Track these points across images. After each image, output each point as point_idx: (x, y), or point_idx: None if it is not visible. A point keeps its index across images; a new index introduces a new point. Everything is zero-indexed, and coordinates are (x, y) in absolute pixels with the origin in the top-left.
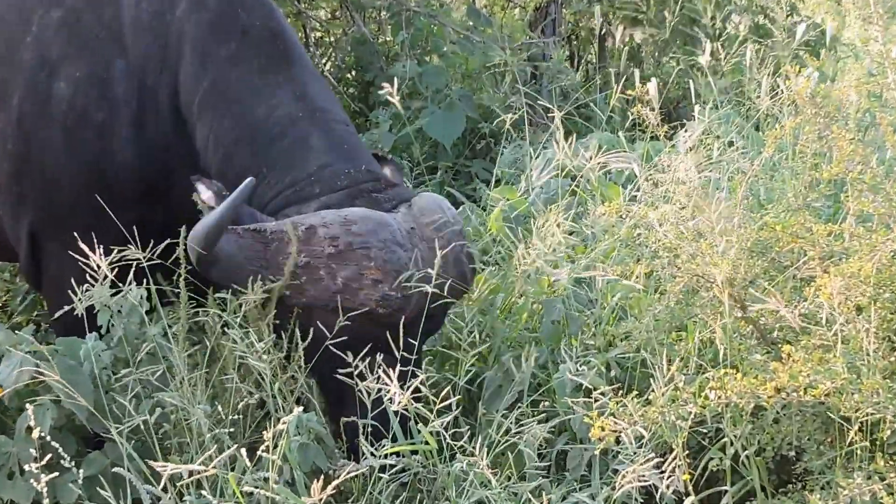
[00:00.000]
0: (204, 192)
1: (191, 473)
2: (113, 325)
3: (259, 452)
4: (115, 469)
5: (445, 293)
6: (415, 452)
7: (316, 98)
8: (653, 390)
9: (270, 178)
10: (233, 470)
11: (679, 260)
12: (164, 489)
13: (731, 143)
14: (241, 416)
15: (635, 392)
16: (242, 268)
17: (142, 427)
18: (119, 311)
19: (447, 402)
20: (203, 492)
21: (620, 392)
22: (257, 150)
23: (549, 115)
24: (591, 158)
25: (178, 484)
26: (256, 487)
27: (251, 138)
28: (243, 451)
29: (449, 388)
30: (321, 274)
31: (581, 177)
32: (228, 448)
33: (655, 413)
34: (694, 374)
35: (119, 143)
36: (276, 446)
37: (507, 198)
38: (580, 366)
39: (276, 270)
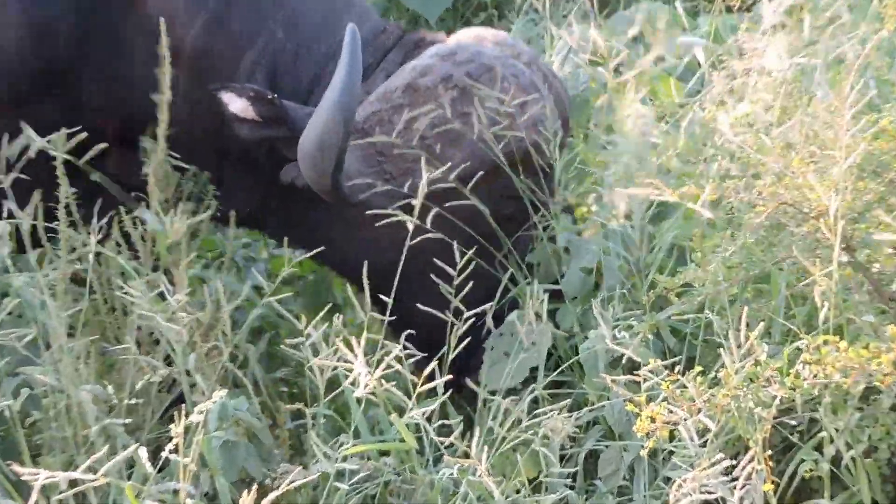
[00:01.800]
0: (234, 103)
1: (72, 483)
2: None
3: (166, 453)
4: None
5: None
6: (385, 453)
7: None
8: (722, 366)
9: (298, 49)
10: (130, 478)
11: (760, 182)
12: None
13: (832, 20)
14: (141, 402)
15: (698, 369)
16: (361, 171)
17: (4, 415)
18: None
19: (431, 384)
20: None
21: (676, 369)
22: (261, 13)
23: None
24: (635, 39)
25: (53, 497)
26: (162, 502)
27: None
28: (144, 451)
29: (434, 363)
30: (456, 128)
31: (622, 66)
32: (124, 447)
33: (726, 398)
34: (779, 344)
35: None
36: (189, 445)
37: None
38: (619, 332)
39: (398, 151)
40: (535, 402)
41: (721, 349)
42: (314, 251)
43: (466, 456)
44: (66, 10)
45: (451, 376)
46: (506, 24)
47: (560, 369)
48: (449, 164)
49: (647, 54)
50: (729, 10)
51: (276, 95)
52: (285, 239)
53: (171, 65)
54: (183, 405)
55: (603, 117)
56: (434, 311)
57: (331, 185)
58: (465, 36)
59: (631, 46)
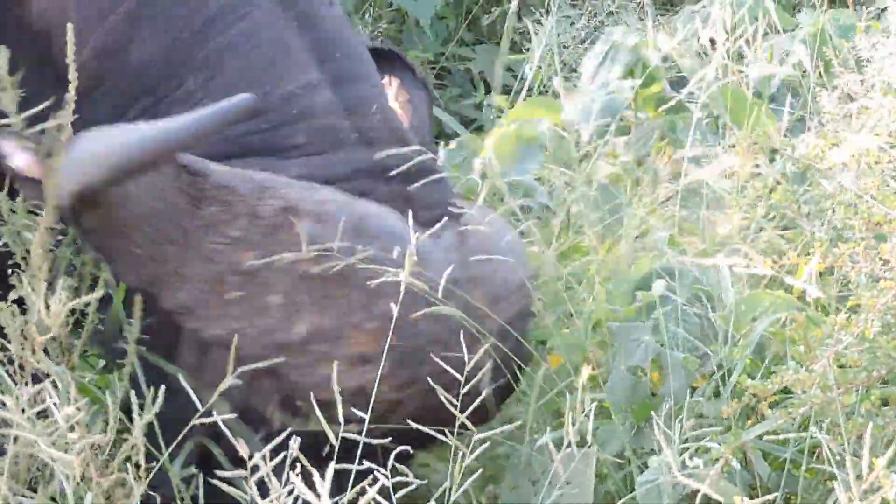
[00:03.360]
0: (14, 155)
1: None
2: None
3: None
4: None
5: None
6: None
7: None
8: None
9: (201, 83)
10: None
11: (887, 246)
12: None
13: None
14: None
15: None
16: (136, 229)
17: None
18: None
19: None
20: None
21: None
22: (174, 44)
23: None
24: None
25: None
26: None
27: (160, 19)
28: None
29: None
30: (272, 301)
31: (685, 82)
32: None
33: None
34: None
35: None
36: None
37: (540, 116)
38: (690, 458)
39: (195, 255)
40: None
41: (834, 482)
42: None
43: None
44: None
45: None
46: (521, 28)
47: None
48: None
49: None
50: (842, 3)
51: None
52: None
53: (60, 90)
54: None
55: (655, 157)
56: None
57: (66, 208)
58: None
59: (701, 55)
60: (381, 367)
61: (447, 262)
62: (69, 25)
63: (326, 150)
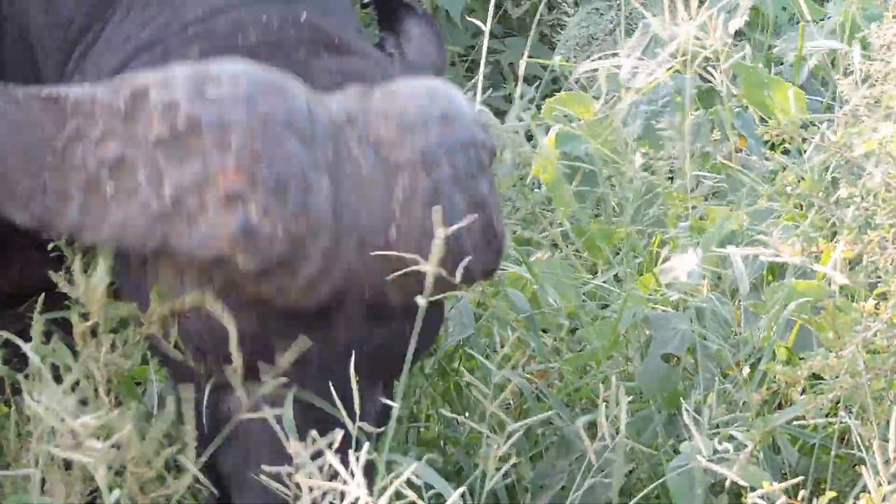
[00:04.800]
0: None
1: None
2: None
3: None
4: None
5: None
6: None
7: None
8: (864, 490)
9: (115, 39)
10: None
11: None
12: None
13: None
14: None
15: (830, 495)
16: (9, 166)
17: None
18: None
19: None
20: None
21: (801, 494)
22: None
23: None
24: (738, 34)
25: None
26: None
27: None
28: None
29: (463, 488)
30: (140, 178)
31: (719, 69)
32: None
33: None
34: None
35: None
36: None
37: (574, 113)
38: (720, 442)
39: (69, 169)
40: None
41: (863, 466)
42: None
43: None
44: None
45: None
46: (557, 20)
47: (641, 495)
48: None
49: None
50: None
51: None
52: None
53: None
54: None
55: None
56: None
57: None
58: (406, 84)
59: (733, 43)
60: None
61: (331, 102)
62: None
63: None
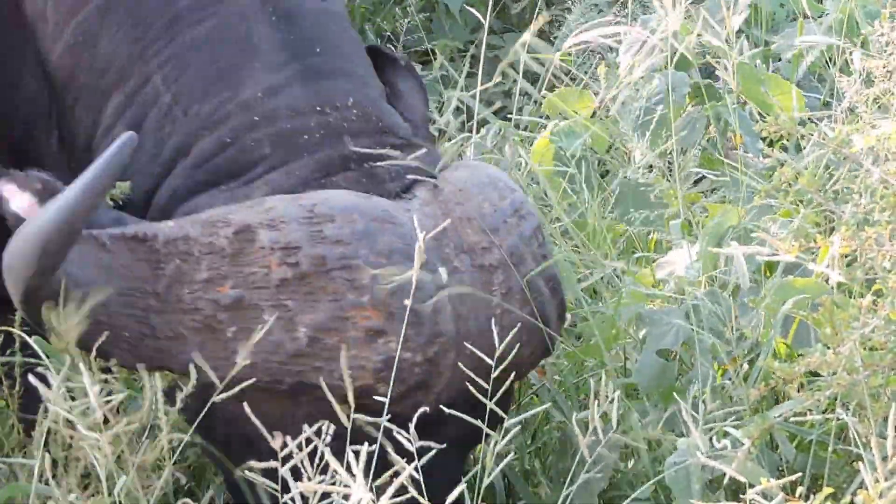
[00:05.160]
0: (15, 197)
1: None
2: None
3: None
4: None
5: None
6: None
7: None
8: (861, 486)
9: (174, 103)
10: None
11: None
12: None
13: None
14: None
15: (827, 491)
16: (115, 314)
17: None
18: None
19: None
20: None
21: (798, 491)
22: (144, 36)
23: None
24: (738, 33)
25: None
26: None
27: (130, 10)
28: None
29: (463, 485)
30: (266, 318)
31: (718, 65)
32: None
33: None
34: None
35: None
36: None
37: (573, 110)
38: (717, 440)
39: (179, 312)
40: None
41: (860, 462)
42: None
43: None
44: None
45: None
46: (556, 15)
47: (637, 493)
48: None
49: (753, 51)
50: None
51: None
52: None
53: (47, 83)
54: None
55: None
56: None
57: (29, 314)
58: (463, 172)
59: (732, 42)
60: (399, 332)
61: (422, 216)
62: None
63: (290, 157)
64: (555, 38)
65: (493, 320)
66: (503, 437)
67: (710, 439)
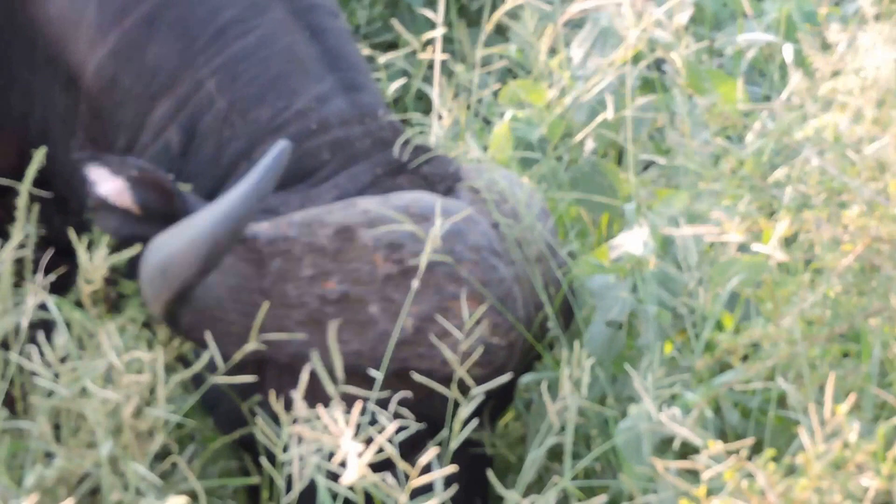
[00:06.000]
0: (104, 181)
1: None
2: None
3: None
4: None
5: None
6: None
7: None
8: (800, 450)
9: (231, 109)
10: None
11: (848, 213)
12: None
13: None
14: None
15: (769, 453)
16: (225, 309)
17: None
18: None
19: (428, 477)
20: None
21: (741, 453)
22: (191, 46)
23: None
24: (685, 30)
25: None
26: None
27: (177, 21)
28: None
29: (437, 449)
30: (372, 311)
31: (666, 61)
32: None
33: (806, 490)
34: (873, 421)
35: None
36: None
37: (529, 100)
38: (666, 405)
39: (285, 307)
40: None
41: (799, 427)
42: None
43: None
44: None
45: (454, 467)
46: (513, 11)
47: (593, 455)
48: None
49: (698, 47)
50: None
51: (173, 181)
52: None
53: (73, 88)
54: None
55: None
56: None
57: (161, 315)
58: (483, 172)
59: (679, 38)
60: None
61: (480, 214)
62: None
63: (349, 163)
64: (510, 33)
65: (539, 306)
66: (468, 403)
67: (660, 405)
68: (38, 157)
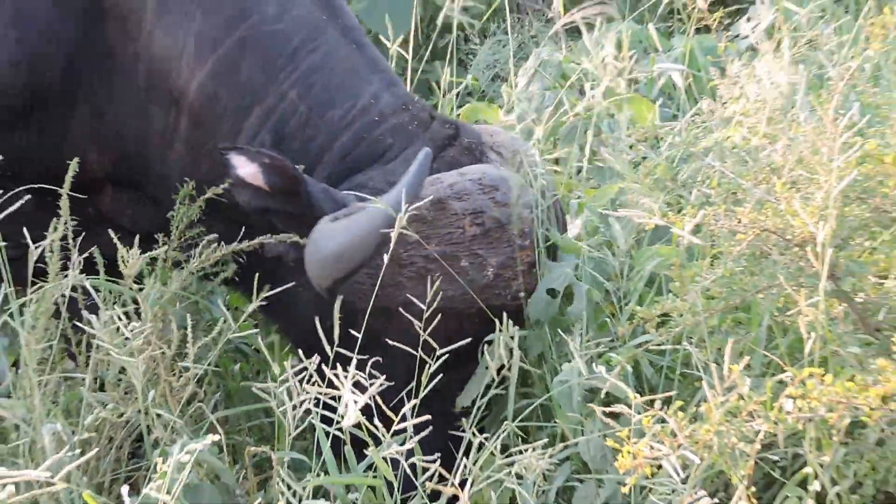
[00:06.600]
0: (244, 167)
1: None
2: None
3: (147, 491)
4: None
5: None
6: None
7: None
8: (703, 400)
9: (310, 112)
10: None
11: (741, 209)
12: None
13: (812, 40)
14: (99, 439)
15: (678, 403)
16: (357, 267)
17: None
18: None
19: (406, 424)
20: None
21: (655, 403)
22: (275, 67)
23: None
24: (607, 60)
25: None
26: None
27: (262, 49)
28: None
29: (404, 397)
30: (464, 264)
31: (594, 88)
32: (78, 487)
33: (708, 433)
34: (762, 377)
35: None
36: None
37: (483, 119)
38: (595, 364)
39: (399, 266)
40: (509, 439)
41: (702, 382)
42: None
43: (438, 494)
44: (58, 38)
45: (427, 416)
46: (470, 49)
47: (533, 406)
48: (440, 294)
49: (619, 77)
50: (706, 29)
51: (297, 168)
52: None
53: (175, 108)
54: (143, 445)
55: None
56: (407, 349)
57: (329, 289)
58: (499, 139)
59: (602, 70)
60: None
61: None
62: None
63: (407, 143)
64: (469, 64)
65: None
66: (435, 362)
67: (590, 362)
68: (73, 167)
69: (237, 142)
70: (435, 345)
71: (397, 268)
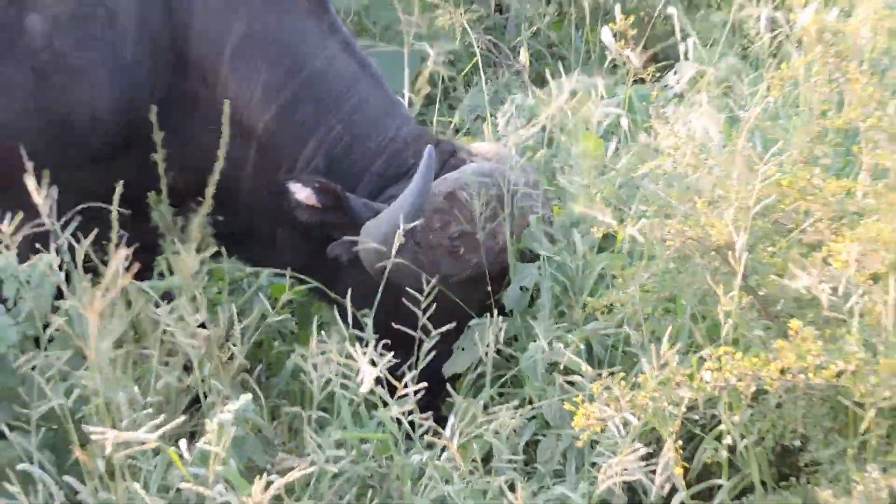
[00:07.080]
0: (300, 192)
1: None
2: (22, 297)
3: (200, 445)
4: (22, 466)
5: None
6: (364, 442)
7: (356, 47)
8: (640, 372)
9: (353, 142)
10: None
11: (671, 222)
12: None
13: (727, 89)
14: (165, 402)
15: (620, 374)
16: (400, 251)
17: (57, 411)
18: (28, 282)
19: (407, 390)
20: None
21: (603, 374)
22: (324, 109)
23: (517, 54)
24: (564, 104)
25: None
26: (193, 483)
27: (313, 94)
28: (184, 443)
29: (406, 370)
30: (479, 237)
31: (552, 127)
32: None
33: (645, 398)
34: (686, 354)
35: (97, 92)
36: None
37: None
38: (556, 343)
39: (431, 249)
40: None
41: (641, 357)
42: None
43: (430, 447)
44: (150, 80)
45: (424, 384)
46: (456, 99)
47: (507, 377)
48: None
49: (575, 117)
50: (641, 80)
51: (340, 188)
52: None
53: (245, 141)
54: (199, 406)
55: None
56: (406, 330)
57: (374, 271)
58: (485, 150)
59: (562, 112)
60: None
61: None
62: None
63: (418, 160)
64: (455, 108)
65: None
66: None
67: (551, 342)
68: (119, 189)
69: (297, 166)
70: (467, 309)
71: (430, 249)
